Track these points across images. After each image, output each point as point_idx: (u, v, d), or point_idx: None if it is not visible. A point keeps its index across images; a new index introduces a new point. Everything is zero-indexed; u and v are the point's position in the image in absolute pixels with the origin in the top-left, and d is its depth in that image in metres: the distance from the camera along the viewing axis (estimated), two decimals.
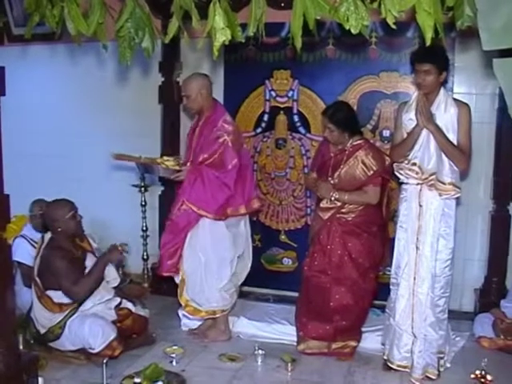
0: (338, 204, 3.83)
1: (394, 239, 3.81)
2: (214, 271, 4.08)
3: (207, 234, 4.05)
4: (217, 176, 3.95)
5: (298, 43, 2.31)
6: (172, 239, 4.11)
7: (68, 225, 3.82)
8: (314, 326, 3.94)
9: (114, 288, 4.03)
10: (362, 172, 3.79)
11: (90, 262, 3.88)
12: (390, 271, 3.83)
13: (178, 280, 4.19)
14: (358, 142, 3.86)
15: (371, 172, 3.78)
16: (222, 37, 2.31)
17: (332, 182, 3.84)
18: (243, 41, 2.48)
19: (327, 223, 3.86)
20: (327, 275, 3.86)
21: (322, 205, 3.91)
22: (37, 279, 3.80)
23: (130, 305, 4.06)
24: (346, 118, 3.83)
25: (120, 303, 4.00)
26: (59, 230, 3.82)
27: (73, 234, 3.88)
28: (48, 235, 3.88)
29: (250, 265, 4.35)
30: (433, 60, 3.41)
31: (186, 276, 4.13)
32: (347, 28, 2.22)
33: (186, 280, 4.13)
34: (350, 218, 3.84)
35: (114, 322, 3.82)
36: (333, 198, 3.81)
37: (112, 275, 4.09)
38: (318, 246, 3.90)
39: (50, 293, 3.75)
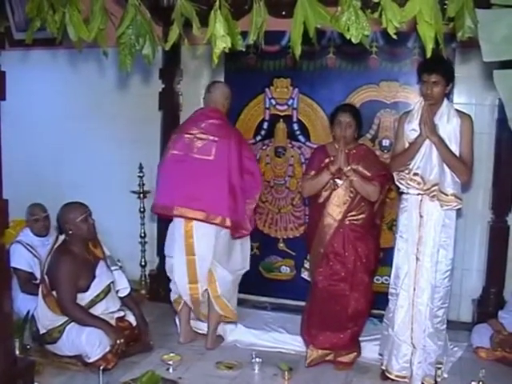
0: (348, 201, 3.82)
1: (392, 249, 3.81)
2: None
3: None
4: None
5: (298, 50, 2.32)
6: None
7: (79, 228, 3.82)
8: (327, 336, 3.89)
9: (122, 298, 4.06)
10: (366, 171, 3.81)
11: (100, 270, 3.88)
12: (387, 281, 3.82)
13: None
14: (360, 145, 3.99)
15: (374, 170, 3.82)
16: (222, 44, 2.31)
17: (340, 181, 3.84)
18: (243, 49, 2.48)
19: (339, 230, 3.82)
20: (346, 283, 3.84)
21: (335, 202, 3.83)
22: (45, 277, 3.81)
23: (132, 318, 4.06)
24: (360, 114, 3.94)
25: (124, 316, 4.01)
26: (70, 232, 3.83)
27: (84, 237, 3.89)
28: (62, 236, 3.89)
29: (182, 280, 4.07)
30: (442, 71, 3.42)
31: None
32: (348, 37, 2.22)
33: None
34: (358, 223, 3.83)
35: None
36: (345, 169, 3.75)
37: (123, 284, 4.10)
38: (332, 254, 3.85)
39: (55, 293, 3.76)
